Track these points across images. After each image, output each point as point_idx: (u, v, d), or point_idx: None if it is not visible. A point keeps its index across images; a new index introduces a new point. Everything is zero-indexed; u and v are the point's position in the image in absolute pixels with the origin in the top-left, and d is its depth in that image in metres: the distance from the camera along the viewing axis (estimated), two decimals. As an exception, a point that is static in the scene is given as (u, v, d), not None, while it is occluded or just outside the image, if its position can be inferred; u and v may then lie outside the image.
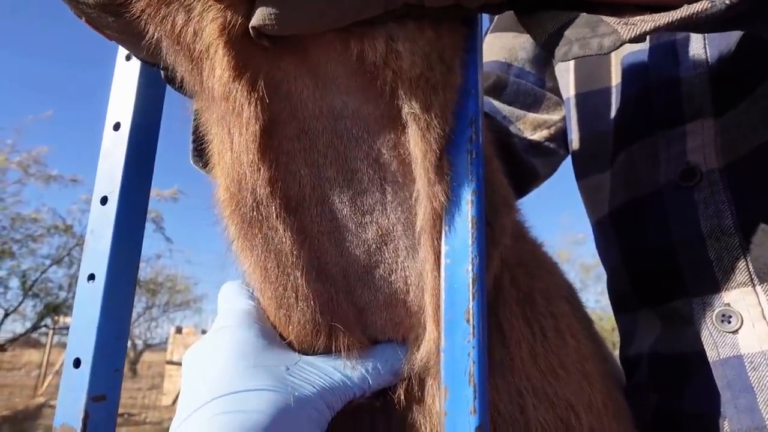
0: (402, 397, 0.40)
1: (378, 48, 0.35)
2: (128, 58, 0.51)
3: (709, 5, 0.31)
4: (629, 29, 0.32)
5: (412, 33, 0.35)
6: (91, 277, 0.47)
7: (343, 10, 0.33)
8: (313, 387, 0.35)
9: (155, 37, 0.36)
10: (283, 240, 0.37)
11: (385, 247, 0.39)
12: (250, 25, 0.34)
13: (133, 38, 0.37)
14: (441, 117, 0.37)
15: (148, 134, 0.50)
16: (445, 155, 0.38)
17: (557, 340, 0.48)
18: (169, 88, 0.50)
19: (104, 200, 0.48)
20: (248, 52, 0.35)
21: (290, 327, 0.39)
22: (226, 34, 0.34)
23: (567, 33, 0.34)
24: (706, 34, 0.55)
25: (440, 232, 0.38)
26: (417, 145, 0.37)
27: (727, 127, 0.52)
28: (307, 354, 0.39)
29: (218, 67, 0.35)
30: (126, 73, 0.50)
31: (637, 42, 0.33)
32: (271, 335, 0.39)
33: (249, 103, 0.35)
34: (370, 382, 0.38)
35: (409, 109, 0.36)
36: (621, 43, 0.32)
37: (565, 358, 0.47)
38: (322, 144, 0.38)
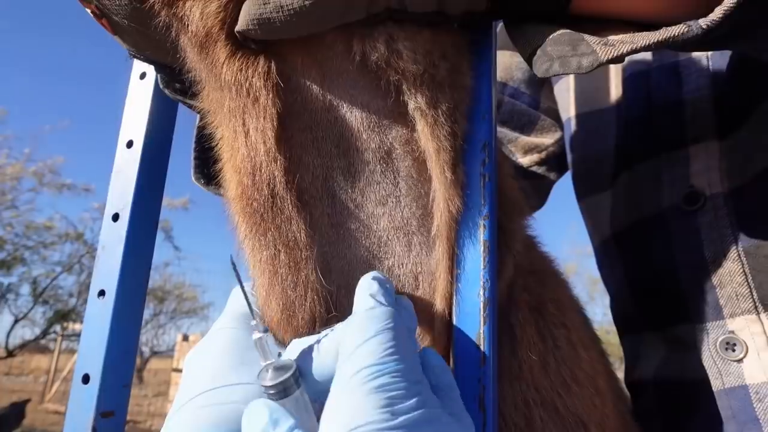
0: None
1: (379, 48, 0.36)
2: (142, 76, 0.51)
3: (686, 29, 0.31)
4: (607, 50, 0.32)
5: (410, 32, 0.36)
6: (102, 293, 0.47)
7: (325, 15, 0.33)
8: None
9: (165, 21, 0.36)
10: (297, 233, 0.37)
11: (397, 241, 0.39)
12: (235, 30, 0.34)
13: (141, 24, 0.37)
14: (449, 115, 0.37)
15: (161, 152, 0.51)
16: (460, 158, 0.38)
17: (570, 351, 0.46)
18: (181, 106, 0.50)
19: (116, 217, 0.48)
20: (249, 46, 0.36)
21: (291, 330, 0.38)
22: (226, 28, 0.35)
23: (549, 49, 0.34)
24: (709, 56, 0.55)
25: (456, 239, 0.37)
26: (428, 141, 0.37)
27: (732, 150, 0.51)
28: None
29: (222, 54, 0.36)
30: (139, 92, 0.51)
31: (615, 63, 0.33)
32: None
33: (265, 88, 0.36)
34: None
35: (415, 104, 0.37)
36: (598, 64, 0.32)
37: (578, 371, 0.45)
38: (335, 135, 0.38)
